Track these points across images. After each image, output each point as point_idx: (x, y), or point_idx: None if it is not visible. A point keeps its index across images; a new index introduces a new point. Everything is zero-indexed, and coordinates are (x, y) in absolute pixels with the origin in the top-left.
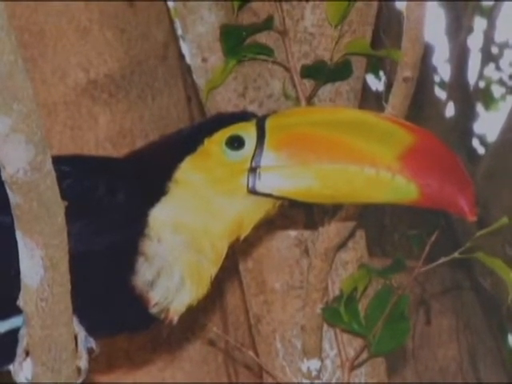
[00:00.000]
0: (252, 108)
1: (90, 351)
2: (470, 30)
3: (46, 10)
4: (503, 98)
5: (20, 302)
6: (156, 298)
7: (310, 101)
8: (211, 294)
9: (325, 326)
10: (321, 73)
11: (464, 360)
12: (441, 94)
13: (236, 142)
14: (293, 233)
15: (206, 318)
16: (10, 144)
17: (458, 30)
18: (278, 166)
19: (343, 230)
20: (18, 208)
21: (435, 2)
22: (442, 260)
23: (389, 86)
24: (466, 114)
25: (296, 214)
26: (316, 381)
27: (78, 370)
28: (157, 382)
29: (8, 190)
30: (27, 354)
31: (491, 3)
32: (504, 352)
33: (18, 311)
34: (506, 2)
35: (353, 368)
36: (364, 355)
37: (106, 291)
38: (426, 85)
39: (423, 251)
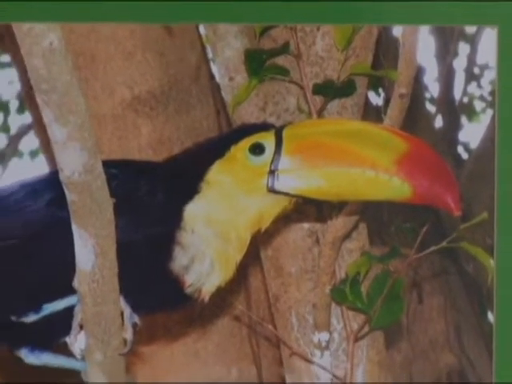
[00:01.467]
0: (271, 120)
1: (134, 325)
2: (456, 53)
3: (97, 37)
4: (484, 111)
5: (75, 284)
6: (190, 280)
7: (320, 114)
8: (237, 277)
9: (333, 304)
10: (329, 90)
11: (450, 333)
12: (431, 108)
13: (258, 149)
14: (306, 225)
15: (233, 297)
16: (67, 150)
17: (445, 54)
18: (293, 169)
19: (348, 223)
20: (73, 204)
21: (426, 30)
22: (432, 248)
23: (387, 101)
24: (452, 126)
25: (308, 209)
26: (325, 351)
27: (124, 341)
28: (191, 352)
29: (65, 190)
30: (81, 327)
31: (473, 31)
32: (484, 326)
33: (73, 291)
34: (486, 30)
35: (356, 340)
36: (366, 329)
37: (148, 274)
38: (418, 100)
39: (416, 241)
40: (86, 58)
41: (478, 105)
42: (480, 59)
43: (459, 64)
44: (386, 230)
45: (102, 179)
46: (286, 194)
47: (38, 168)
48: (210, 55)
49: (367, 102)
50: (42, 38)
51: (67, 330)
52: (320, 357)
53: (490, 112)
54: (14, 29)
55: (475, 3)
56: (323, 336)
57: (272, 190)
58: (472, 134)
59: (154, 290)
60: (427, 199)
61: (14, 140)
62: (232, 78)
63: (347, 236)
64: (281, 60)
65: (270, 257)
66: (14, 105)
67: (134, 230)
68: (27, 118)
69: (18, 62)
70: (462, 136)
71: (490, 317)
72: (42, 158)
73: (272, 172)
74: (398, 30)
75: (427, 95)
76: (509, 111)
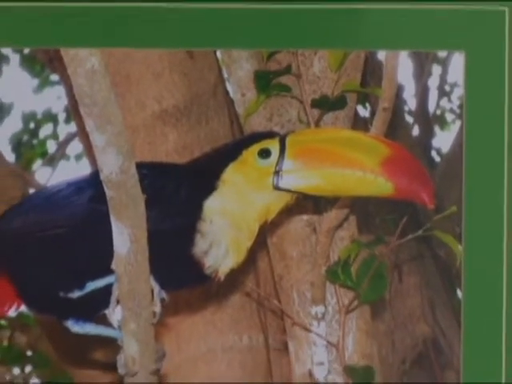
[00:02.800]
0: (276, 129)
1: (162, 300)
2: (430, 74)
3: (131, 60)
4: (453, 122)
5: (113, 265)
6: (209, 262)
7: (317, 124)
8: (247, 260)
9: (327, 283)
10: (325, 104)
11: (425, 307)
12: (409, 119)
13: (265, 153)
14: (305, 217)
15: (244, 276)
16: (106, 154)
17: (421, 74)
18: (295, 170)
19: (340, 215)
20: (111, 200)
21: (405, 54)
22: (410, 236)
23: (372, 113)
24: (427, 134)
25: (307, 203)
26: (321, 321)
27: (154, 313)
28: (209, 322)
29: (104, 187)
30: (118, 302)
31: (445, 55)
32: (454, 301)
33: (111, 272)
34: (455, 55)
35: (347, 312)
36: (355, 303)
37: (174, 258)
38: (399, 113)
39: (397, 230)
40: (122, 78)
41: (449, 116)
42: (450, 78)
43: (433, 82)
44: (371, 221)
45: (135, 178)
46: (289, 191)
47: (82, 169)
48: (226, 75)
49: (356, 114)
50: (85, 61)
51: (106, 304)
52: (317, 326)
53: (458, 122)
54: (62, 53)
55: (446, 33)
56: (319, 309)
57: (277, 188)
58: (443, 140)
59: (178, 270)
60: (406, 195)
61: (62, 146)
62: (244, 94)
63: (339, 226)
64: (284, 79)
65: (275, 243)
66: (61, 116)
67: (162, 220)
68: (73, 127)
69: (65, 81)
70: (435, 142)
71: (459, 293)
72: (85, 161)
73: (277, 172)
74: (381, 55)
75: (406, 108)
76: (474, 122)
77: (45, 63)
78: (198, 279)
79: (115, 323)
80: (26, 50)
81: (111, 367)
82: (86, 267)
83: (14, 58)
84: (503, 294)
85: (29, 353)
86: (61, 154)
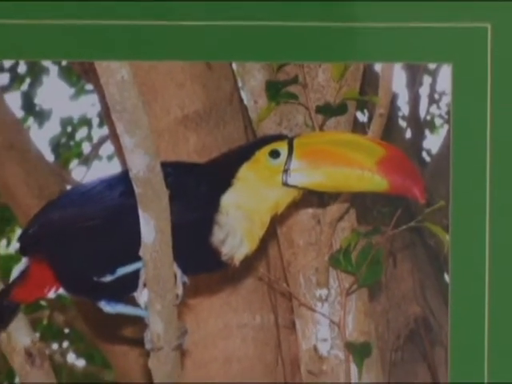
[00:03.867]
0: (285, 132)
1: (184, 284)
2: (421, 83)
3: (156, 71)
4: (441, 126)
5: (141, 253)
6: (225, 250)
7: (321, 128)
8: (259, 248)
9: (330, 268)
10: (328, 110)
11: (417, 290)
12: (402, 123)
13: (275, 154)
14: (310, 210)
15: (256, 262)
16: (134, 155)
17: (413, 84)
18: (301, 168)
19: (342, 208)
20: (139, 195)
21: (399, 66)
22: (404, 227)
23: (370, 118)
24: (418, 136)
25: (312, 198)
26: (325, 302)
27: (177, 295)
28: (225, 303)
29: (133, 184)
30: (145, 285)
31: (434, 67)
32: (442, 285)
33: (139, 258)
34: (443, 66)
35: (348, 294)
36: (354, 286)
37: (194, 246)
38: (393, 118)
39: (391, 221)
40: (148, 87)
41: (437, 121)
42: (439, 87)
43: (423, 91)
44: (369, 214)
45: (160, 176)
46: (296, 187)
47: (113, 168)
48: (240, 84)
49: (355, 119)
50: (116, 73)
51: (135, 287)
52: (321, 307)
53: (446, 127)
54: (96, 65)
55: (435, 47)
56: (323, 292)
57: (285, 185)
58: (433, 142)
59: (198, 257)
60: (400, 191)
61: (96, 147)
62: (256, 101)
63: (341, 218)
64: (292, 88)
65: (284, 233)
66: (95, 121)
67: (184, 213)
68: (105, 130)
69: (98, 90)
70: (426, 144)
71: (446, 277)
72: (116, 161)
73: (285, 171)
74: (378, 67)
75: (400, 114)
76: (460, 126)
77: (80, 74)
78: (216, 265)
79: (142, 304)
80: (64, 63)
81: (139, 343)
82: (117, 254)
83: (53, 70)
84: (486, 277)
85: (66, 330)
86: (94, 154)
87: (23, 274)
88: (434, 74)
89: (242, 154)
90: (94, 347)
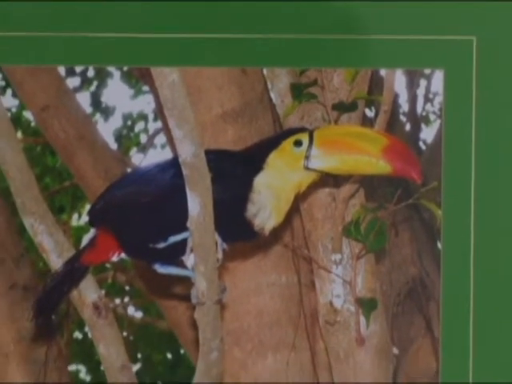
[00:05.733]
0: (306, 125)
1: (223, 250)
2: (418, 85)
3: (201, 76)
4: (435, 120)
5: (188, 224)
6: (257, 222)
7: (336, 122)
8: (285, 221)
9: (343, 237)
10: (341, 108)
11: (414, 255)
12: (403, 118)
13: (298, 143)
14: (327, 189)
15: (283, 232)
16: (183, 144)
17: (411, 85)
18: (320, 155)
19: (353, 188)
20: (186, 176)
21: (400, 71)
22: (404, 203)
23: (376, 114)
24: (416, 129)
25: (329, 179)
26: (339, 265)
27: (217, 259)
28: (257, 266)
29: (182, 167)
30: (191, 251)
31: (429, 71)
32: (435, 251)
33: (186, 229)
34: (437, 72)
35: (358, 259)
36: (363, 252)
37: (232, 219)
38: (395, 114)
39: (393, 199)
40: (194, 89)
41: (432, 117)
42: (433, 89)
43: (420, 92)
44: (375, 192)
45: (204, 161)
46: (315, 170)
47: (166, 155)
48: (269, 86)
49: (364, 115)
50: (168, 76)
51: (183, 252)
52: (336, 269)
53: (438, 121)
54: (152, 71)
55: (430, 56)
56: (337, 256)
57: (307, 168)
58: (428, 134)
59: (235, 228)
60: (401, 174)
61: (151, 138)
62: (283, 100)
63: (352, 196)
64: (312, 89)
65: (305, 208)
66: (151, 116)
67: (223, 192)
68: (159, 124)
69: (153, 91)
70: (422, 135)
71: (439, 245)
72: (167, 149)
73: (307, 157)
74: (383, 72)
75: (400, 111)
76: (450, 121)
77: (139, 78)
78: (249, 235)
79: (189, 266)
80: (125, 68)
81: (186, 298)
82: (169, 225)
83: (117, 74)
84: (471, 244)
85: (127, 288)
86: (150, 143)
87: (91, 241)
88: (428, 78)
89: (271, 144)
90: (149, 302)
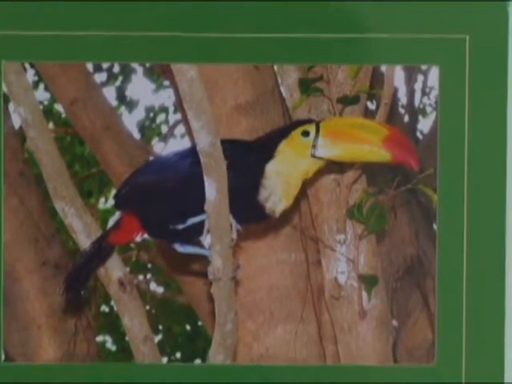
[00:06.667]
0: (313, 117)
1: (237, 231)
2: (416, 80)
3: (217, 71)
4: (431, 113)
5: (205, 207)
6: (268, 205)
7: (340, 114)
8: (294, 204)
9: (347, 219)
10: (345, 101)
11: (412, 235)
12: (401, 111)
13: (306, 133)
14: (332, 175)
15: (291, 214)
16: (201, 134)
17: (409, 80)
18: (326, 145)
19: (355, 174)
20: (204, 164)
21: (399, 67)
22: (402, 188)
23: (377, 107)
24: (414, 120)
25: (334, 166)
26: (343, 245)
27: (232, 239)
28: (267, 245)
29: (200, 156)
30: (208, 231)
31: (426, 67)
32: (431, 232)
33: (204, 212)
34: (433, 68)
35: (360, 239)
36: (365, 233)
37: (245, 202)
38: (394, 106)
39: (393, 184)
40: (211, 83)
41: (428, 109)
42: (429, 83)
43: (418, 86)
44: (376, 178)
45: (220, 150)
46: (321, 158)
47: (185, 144)
48: (280, 81)
49: (366, 107)
50: (186, 72)
51: (200, 232)
52: (340, 248)
53: (434, 113)
54: (172, 67)
55: (425, 53)
56: (342, 237)
57: (313, 156)
58: (425, 125)
59: (248, 211)
60: (400, 161)
61: (171, 128)
62: (292, 94)
63: (355, 182)
64: (319, 84)
65: (313, 193)
66: (171, 109)
67: (238, 178)
68: (178, 116)
69: (174, 85)
70: (419, 126)
71: (435, 226)
72: (186, 139)
73: (314, 146)
74: (383, 68)
75: (399, 103)
76: (445, 113)
77: (160, 73)
78: (261, 217)
79: (206, 245)
80: (148, 64)
81: (204, 275)
82: (187, 208)
83: (140, 70)
84: (464, 226)
85: (149, 265)
86: (170, 134)
87: (117, 223)
88: (425, 74)
89: (281, 134)
90: (170, 278)
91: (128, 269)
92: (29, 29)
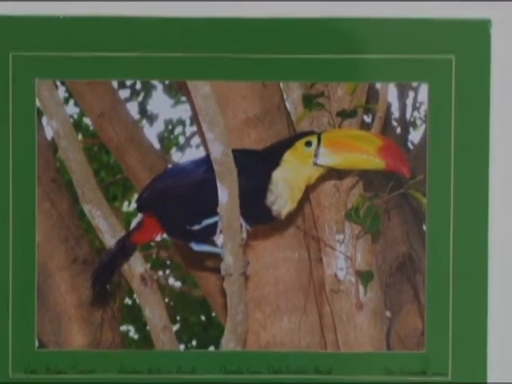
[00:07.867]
0: (315, 129)
1: (247, 231)
2: (407, 96)
3: (229, 88)
4: (421, 125)
5: (218, 210)
6: (275, 208)
7: (339, 127)
8: (298, 207)
9: (345, 221)
10: (344, 114)
11: (404, 236)
12: (394, 123)
13: (308, 144)
14: (332, 181)
15: (296, 216)
16: (214, 144)
17: (402, 96)
18: (327, 154)
19: (353, 180)
20: (217, 171)
21: (392, 84)
22: (395, 193)
23: (373, 120)
24: (405, 132)
25: (334, 173)
26: (342, 244)
27: (242, 239)
28: (274, 244)
29: (213, 164)
30: (221, 231)
31: (416, 84)
32: (421, 232)
33: (217, 214)
34: (422, 85)
35: (357, 238)
36: (362, 233)
37: (254, 206)
38: (388, 120)
39: (387, 189)
40: (223, 98)
41: (418, 122)
42: (419, 99)
43: (409, 101)
44: (371, 183)
45: (231, 158)
46: (323, 166)
47: (200, 153)
48: (285, 97)
49: (363, 120)
50: (201, 88)
51: (214, 233)
52: (339, 247)
53: (424, 126)
54: (188, 84)
55: (415, 72)
56: (341, 236)
57: (315, 164)
58: (415, 136)
59: (256, 213)
60: (393, 169)
61: (188, 139)
62: (296, 109)
63: (353, 187)
64: (320, 100)
65: (315, 197)
66: (188, 122)
67: (247, 183)
68: (194, 128)
69: (190, 101)
70: (410, 137)
71: (424, 227)
72: (201, 149)
73: (316, 155)
74: (378, 85)
75: (393, 117)
76: (434, 126)
77: (178, 90)
78: (269, 219)
79: (219, 244)
80: (167, 82)
81: (217, 271)
82: (202, 211)
83: (159, 87)
84: (451, 226)
85: (168, 262)
86: (187, 144)
87: (139, 224)
88: (416, 90)
89: (286, 144)
90: (186, 273)
91: (149, 265)
92: (60, 50)
